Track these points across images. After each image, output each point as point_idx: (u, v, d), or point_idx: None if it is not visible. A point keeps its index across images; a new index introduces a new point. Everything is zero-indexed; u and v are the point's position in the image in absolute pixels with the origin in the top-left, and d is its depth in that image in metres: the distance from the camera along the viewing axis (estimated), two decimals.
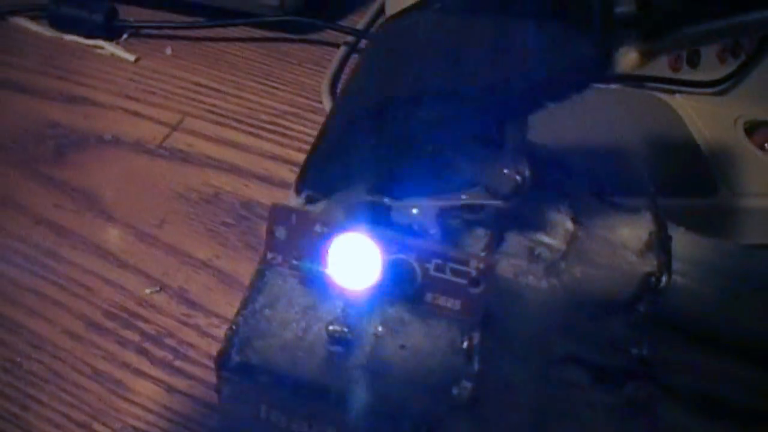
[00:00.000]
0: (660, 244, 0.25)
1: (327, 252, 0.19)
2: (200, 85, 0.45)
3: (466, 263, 0.20)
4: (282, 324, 0.22)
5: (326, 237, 0.20)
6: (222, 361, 0.21)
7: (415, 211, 0.22)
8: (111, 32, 0.46)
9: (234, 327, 0.22)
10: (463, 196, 0.21)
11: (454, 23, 0.23)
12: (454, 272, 0.20)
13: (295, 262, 0.21)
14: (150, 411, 0.31)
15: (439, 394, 0.21)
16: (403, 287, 0.21)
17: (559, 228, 0.24)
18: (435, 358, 0.22)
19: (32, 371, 0.32)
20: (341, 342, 0.21)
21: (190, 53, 0.47)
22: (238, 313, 0.22)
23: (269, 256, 0.21)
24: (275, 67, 0.47)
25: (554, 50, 0.18)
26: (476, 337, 0.21)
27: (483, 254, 0.21)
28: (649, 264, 0.24)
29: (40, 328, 0.33)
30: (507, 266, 0.24)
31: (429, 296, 0.21)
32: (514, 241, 0.24)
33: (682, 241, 0.26)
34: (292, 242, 0.21)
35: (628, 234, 0.26)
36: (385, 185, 0.22)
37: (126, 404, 0.32)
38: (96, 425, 0.31)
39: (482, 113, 0.19)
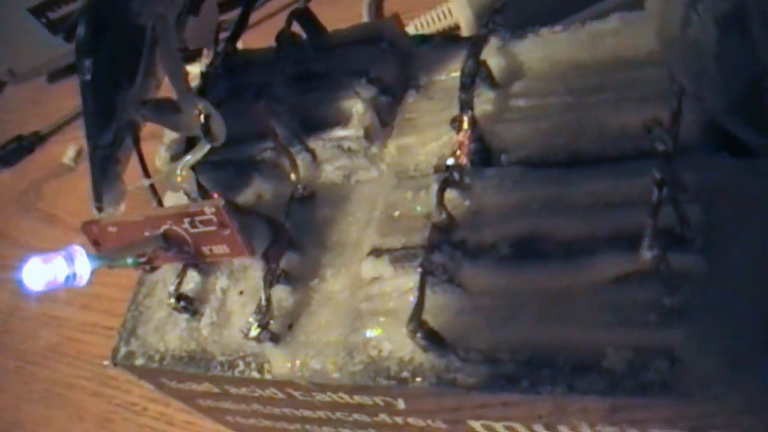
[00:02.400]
0: (464, 78, 0.21)
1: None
2: None
3: (203, 213, 0.20)
4: (158, 305, 0.25)
5: (120, 235, 0.22)
6: (112, 355, 0.25)
7: (178, 179, 0.22)
8: None
9: (123, 322, 0.25)
10: (188, 157, 0.21)
11: None
12: (203, 223, 0.21)
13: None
14: None
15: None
16: (184, 251, 0.22)
17: (354, 114, 0.22)
18: (258, 295, 0.22)
19: None
20: (184, 310, 0.23)
21: (254, 36, 0.50)
22: (127, 308, 0.25)
23: None
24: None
25: None
26: (261, 270, 0.21)
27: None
28: None
29: None
30: (334, 172, 0.23)
31: (205, 249, 0.21)
32: (320, 146, 0.23)
33: (533, 50, 0.23)
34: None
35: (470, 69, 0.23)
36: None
37: None
38: None
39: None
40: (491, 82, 0.22)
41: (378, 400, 0.21)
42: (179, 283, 0.23)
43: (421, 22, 0.39)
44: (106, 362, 0.40)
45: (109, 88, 0.20)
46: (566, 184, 0.20)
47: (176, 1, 0.20)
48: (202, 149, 0.21)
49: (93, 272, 0.20)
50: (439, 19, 0.39)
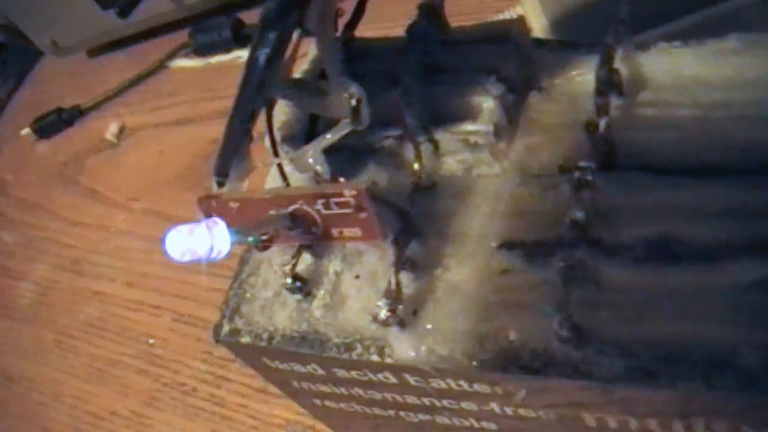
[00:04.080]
0: (599, 83, 0.22)
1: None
2: None
3: (341, 195, 0.21)
4: (263, 285, 0.25)
5: (242, 211, 0.23)
6: (215, 332, 0.25)
7: (310, 160, 0.23)
8: (244, 40, 0.51)
9: (226, 299, 0.25)
10: (328, 135, 0.22)
11: None
12: (339, 205, 0.21)
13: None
14: None
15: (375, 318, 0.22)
16: (310, 231, 0.22)
17: (484, 110, 0.23)
18: (383, 281, 0.23)
19: (222, 356, 0.38)
20: (298, 290, 0.24)
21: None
22: (230, 286, 0.26)
23: None
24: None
25: None
26: (391, 254, 0.22)
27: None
28: None
29: None
30: (455, 164, 0.24)
31: (335, 232, 0.22)
32: (446, 138, 0.23)
33: (657, 63, 0.23)
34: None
35: (592, 78, 0.23)
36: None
37: None
38: (271, 387, 0.36)
39: None
40: (619, 90, 0.22)
41: (498, 389, 0.21)
42: (295, 264, 0.23)
43: None
44: (151, 340, 0.40)
45: (265, 65, 0.20)
46: (697, 191, 0.20)
47: None
48: (340, 132, 0.21)
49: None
50: None
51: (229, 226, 0.20)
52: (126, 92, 0.53)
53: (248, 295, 0.25)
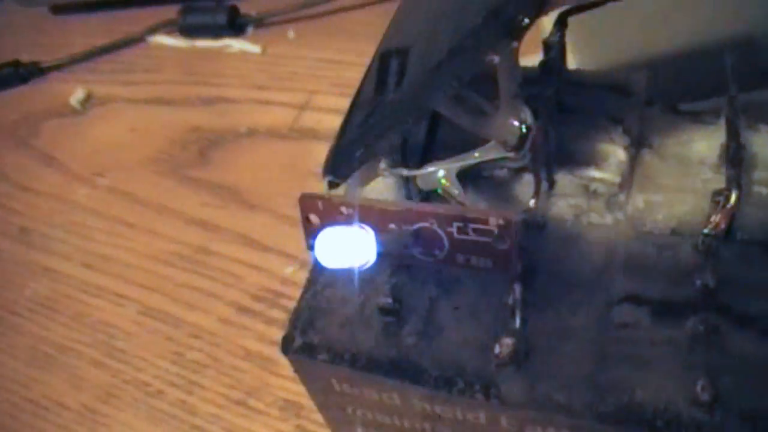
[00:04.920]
0: (730, 156, 0.22)
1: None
2: (323, 60, 0.46)
3: (485, 222, 0.20)
4: (342, 301, 0.23)
5: (352, 218, 0.21)
6: (285, 345, 0.23)
7: (441, 173, 0.21)
8: (236, 29, 0.49)
9: (297, 310, 0.23)
10: (476, 154, 0.21)
11: None
12: (477, 232, 0.20)
13: None
14: (298, 382, 0.34)
15: (486, 352, 0.21)
16: (430, 253, 0.21)
17: (611, 159, 0.23)
18: (487, 315, 0.22)
19: (194, 360, 0.36)
20: (392, 313, 0.22)
21: (311, 31, 0.48)
22: (301, 296, 0.24)
23: (310, 242, 0.22)
24: None
25: None
26: (517, 291, 0.21)
27: (530, 205, 0.21)
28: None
29: (198, 320, 0.37)
30: (566, 207, 0.23)
31: (461, 258, 0.21)
32: (566, 180, 0.23)
33: (762, 145, 0.24)
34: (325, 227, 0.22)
35: (706, 147, 0.24)
36: (400, 156, 0.22)
37: (276, 379, 0.34)
38: (251, 401, 0.34)
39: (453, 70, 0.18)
40: (740, 165, 0.23)
41: None
42: (395, 283, 0.22)
43: None
44: (112, 331, 0.37)
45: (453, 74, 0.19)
46: None
47: None
48: (489, 155, 0.20)
49: None
50: None
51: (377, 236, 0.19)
52: (95, 59, 0.49)
53: (324, 309, 0.23)
